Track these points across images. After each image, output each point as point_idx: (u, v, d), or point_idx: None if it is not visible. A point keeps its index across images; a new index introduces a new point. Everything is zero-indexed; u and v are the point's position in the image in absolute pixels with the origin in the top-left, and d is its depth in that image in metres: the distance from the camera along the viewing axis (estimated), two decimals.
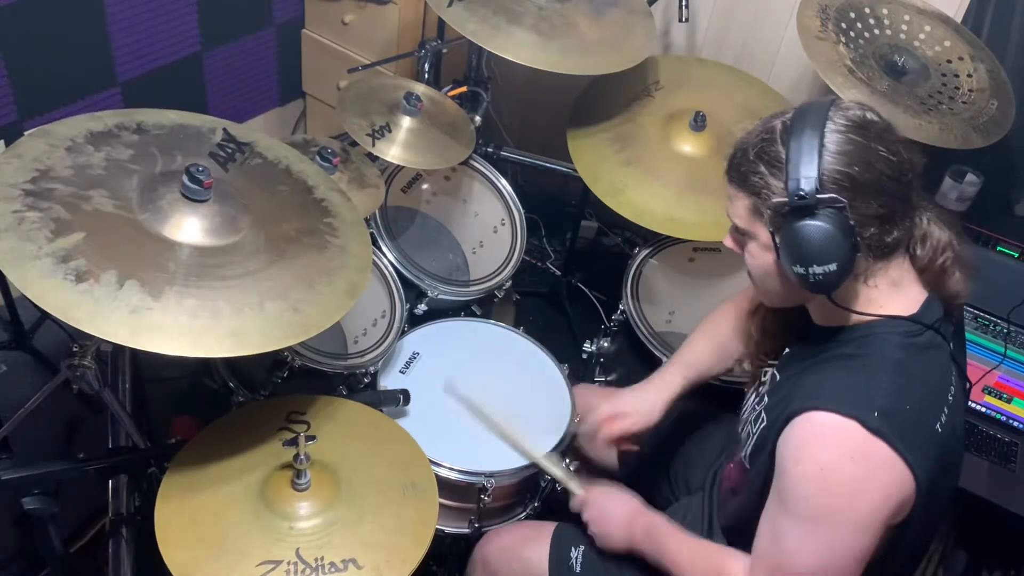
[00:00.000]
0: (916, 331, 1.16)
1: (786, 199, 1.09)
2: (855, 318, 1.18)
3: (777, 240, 1.13)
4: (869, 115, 1.13)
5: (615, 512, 1.44)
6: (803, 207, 1.08)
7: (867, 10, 2.00)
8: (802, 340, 1.29)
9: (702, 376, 1.57)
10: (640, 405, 1.53)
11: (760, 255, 1.19)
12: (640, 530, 1.39)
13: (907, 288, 1.18)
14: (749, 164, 1.15)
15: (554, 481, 1.68)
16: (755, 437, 1.27)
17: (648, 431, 1.54)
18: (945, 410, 1.15)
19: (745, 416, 1.36)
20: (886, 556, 1.17)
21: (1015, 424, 1.82)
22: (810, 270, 1.10)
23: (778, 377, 1.31)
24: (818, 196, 1.07)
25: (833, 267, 1.09)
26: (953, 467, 1.23)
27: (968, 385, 1.26)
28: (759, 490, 1.25)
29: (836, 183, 1.08)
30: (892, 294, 1.17)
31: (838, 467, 1.09)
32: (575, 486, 1.55)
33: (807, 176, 1.07)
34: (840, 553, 1.11)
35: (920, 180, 1.15)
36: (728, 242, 1.28)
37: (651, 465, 1.67)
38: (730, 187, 1.20)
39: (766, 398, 1.30)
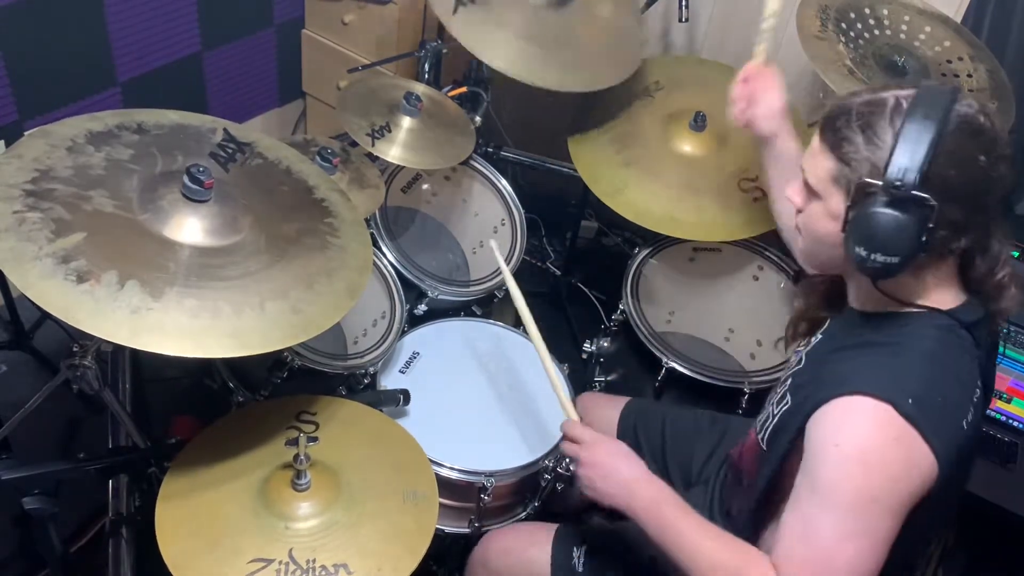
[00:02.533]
0: (951, 326, 1.15)
1: (880, 181, 1.06)
2: (893, 306, 1.17)
3: (851, 215, 1.10)
4: (983, 119, 1.09)
5: (619, 471, 1.33)
6: (894, 196, 1.05)
7: (867, 10, 2.00)
8: (835, 324, 1.29)
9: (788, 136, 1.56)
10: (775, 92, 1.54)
11: (823, 219, 1.16)
12: (644, 500, 1.29)
13: (948, 287, 1.17)
14: (847, 130, 1.10)
15: (555, 480, 1.69)
16: (776, 418, 1.26)
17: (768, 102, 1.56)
18: (971, 409, 1.15)
19: (768, 398, 1.35)
20: (900, 552, 1.17)
21: (1015, 424, 1.82)
22: (872, 256, 1.07)
23: (804, 361, 1.30)
24: (913, 192, 1.04)
25: (895, 260, 1.07)
26: (967, 469, 1.23)
27: (991, 392, 1.27)
28: (775, 470, 1.23)
29: (933, 184, 1.04)
30: (933, 289, 1.16)
31: (881, 450, 1.08)
32: (573, 412, 1.46)
33: (911, 167, 1.04)
34: (878, 540, 1.09)
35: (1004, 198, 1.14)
36: (792, 193, 1.23)
37: (649, 463, 1.67)
38: (819, 143, 1.15)
39: (791, 379, 1.28)
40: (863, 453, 1.08)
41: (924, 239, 1.06)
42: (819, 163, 1.15)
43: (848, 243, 1.10)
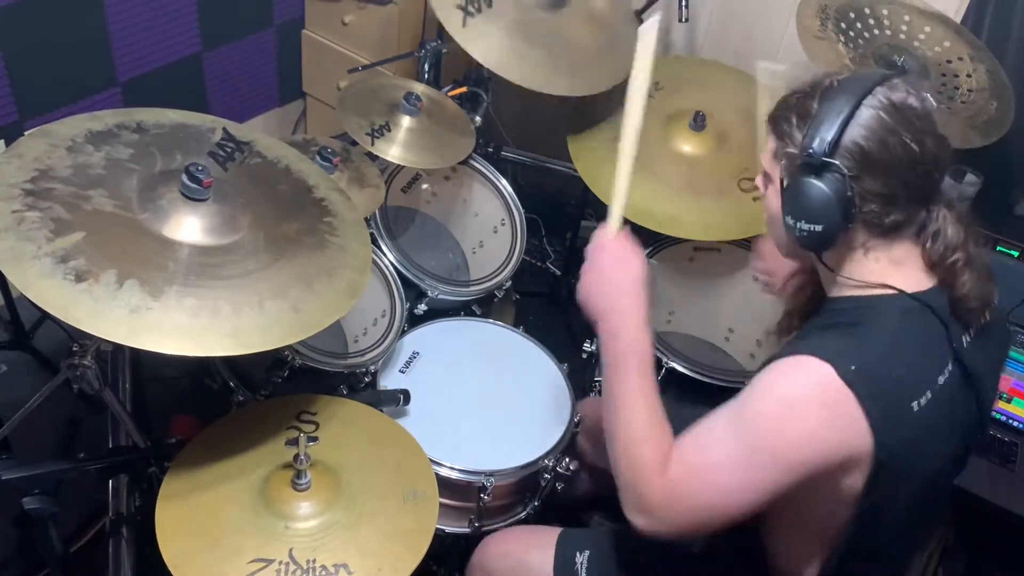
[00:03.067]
0: (918, 308, 1.16)
1: (798, 151, 1.14)
2: (857, 290, 1.19)
3: (784, 187, 1.18)
4: (911, 100, 1.14)
5: (607, 283, 1.29)
6: (809, 164, 1.12)
7: (867, 10, 2.00)
8: (809, 319, 1.31)
9: None
10: None
11: (772, 199, 1.23)
12: (608, 329, 1.25)
13: (908, 270, 1.18)
14: (785, 111, 1.19)
15: (555, 480, 1.69)
16: None
17: None
18: (928, 393, 1.14)
19: None
20: (852, 537, 1.17)
21: (1015, 424, 1.82)
22: (799, 224, 1.15)
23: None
24: (823, 159, 1.11)
25: (819, 228, 1.13)
26: (936, 457, 1.21)
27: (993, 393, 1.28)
28: None
29: (848, 153, 1.11)
30: (892, 271, 1.18)
31: (802, 405, 1.10)
32: (616, 220, 1.39)
33: (823, 138, 1.11)
34: (756, 482, 1.11)
35: (942, 176, 1.17)
36: (758, 180, 1.30)
37: None
38: (768, 125, 1.23)
39: None
40: (787, 401, 1.11)
41: (849, 209, 1.12)
42: (766, 145, 1.23)
43: (784, 215, 1.17)
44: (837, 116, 1.11)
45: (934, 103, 1.15)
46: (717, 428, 1.16)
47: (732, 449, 1.12)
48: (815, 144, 1.11)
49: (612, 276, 1.29)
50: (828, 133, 1.10)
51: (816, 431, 1.09)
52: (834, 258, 1.19)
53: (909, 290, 1.17)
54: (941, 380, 1.16)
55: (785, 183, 1.17)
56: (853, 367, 1.09)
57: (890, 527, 1.22)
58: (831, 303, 1.24)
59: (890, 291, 1.17)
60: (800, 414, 1.09)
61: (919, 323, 1.16)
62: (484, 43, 1.86)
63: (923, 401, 1.14)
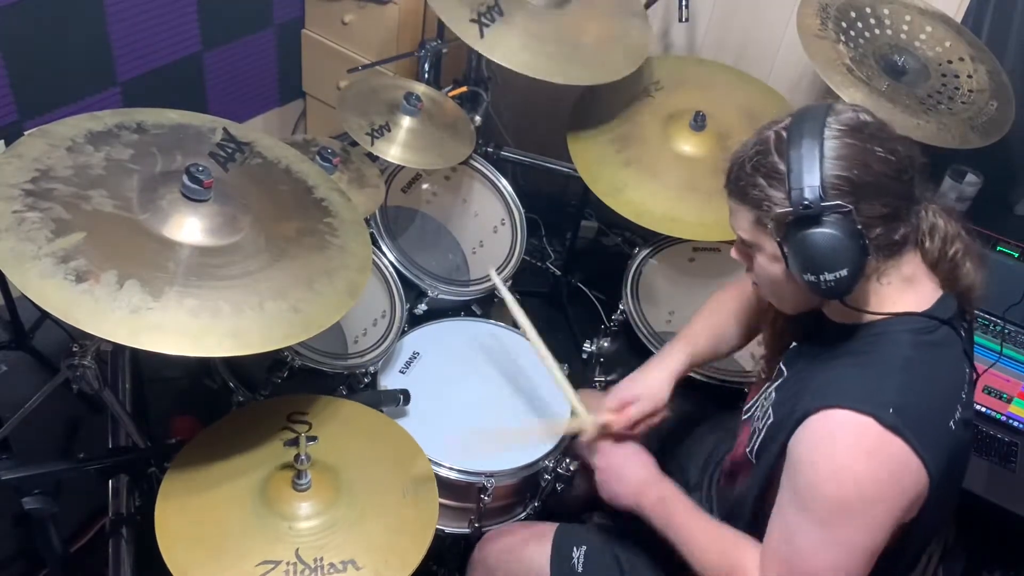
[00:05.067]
0: (928, 328, 1.16)
1: (790, 209, 1.09)
2: (868, 316, 1.18)
3: (785, 250, 1.13)
4: (863, 116, 1.12)
5: (629, 472, 1.42)
6: (808, 216, 1.08)
7: (868, 10, 2.01)
8: (811, 336, 1.29)
9: (701, 358, 1.56)
10: (647, 386, 1.50)
11: (769, 266, 1.19)
12: (652, 498, 1.37)
13: (920, 285, 1.18)
14: (747, 177, 1.14)
15: (555, 480, 1.69)
16: (763, 432, 1.27)
17: (665, 412, 1.51)
18: (959, 408, 1.15)
19: (751, 412, 1.36)
20: (894, 553, 1.17)
21: (1015, 424, 1.82)
22: (821, 277, 1.09)
23: (785, 373, 1.30)
24: (822, 204, 1.07)
25: (844, 272, 1.09)
26: (962, 465, 1.23)
27: (975, 376, 1.26)
28: (763, 483, 1.25)
29: (837, 188, 1.07)
30: (905, 291, 1.17)
31: (855, 466, 1.09)
32: (590, 421, 1.50)
33: (809, 185, 1.07)
34: (853, 551, 1.11)
35: (922, 175, 1.15)
36: (735, 254, 1.27)
37: None
38: (731, 201, 1.19)
39: (773, 394, 1.29)
40: (837, 470, 1.10)
41: (862, 242, 1.08)
42: (740, 218, 1.19)
43: (795, 274, 1.13)
44: (811, 158, 1.08)
45: (875, 115, 1.14)
46: (788, 519, 1.16)
47: (811, 532, 1.13)
48: (804, 194, 1.07)
49: (624, 482, 1.42)
50: (811, 178, 1.07)
51: (874, 486, 1.09)
52: (851, 296, 1.15)
53: (921, 308, 1.16)
54: (964, 392, 1.18)
55: (785, 245, 1.12)
56: (891, 410, 1.08)
57: (922, 537, 1.23)
58: (837, 329, 1.22)
59: (900, 315, 1.16)
60: (850, 479, 1.09)
61: (934, 341, 1.16)
62: (506, 49, 1.87)
63: (957, 416, 1.14)
